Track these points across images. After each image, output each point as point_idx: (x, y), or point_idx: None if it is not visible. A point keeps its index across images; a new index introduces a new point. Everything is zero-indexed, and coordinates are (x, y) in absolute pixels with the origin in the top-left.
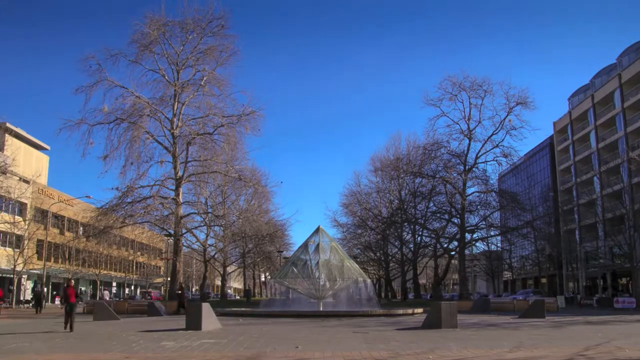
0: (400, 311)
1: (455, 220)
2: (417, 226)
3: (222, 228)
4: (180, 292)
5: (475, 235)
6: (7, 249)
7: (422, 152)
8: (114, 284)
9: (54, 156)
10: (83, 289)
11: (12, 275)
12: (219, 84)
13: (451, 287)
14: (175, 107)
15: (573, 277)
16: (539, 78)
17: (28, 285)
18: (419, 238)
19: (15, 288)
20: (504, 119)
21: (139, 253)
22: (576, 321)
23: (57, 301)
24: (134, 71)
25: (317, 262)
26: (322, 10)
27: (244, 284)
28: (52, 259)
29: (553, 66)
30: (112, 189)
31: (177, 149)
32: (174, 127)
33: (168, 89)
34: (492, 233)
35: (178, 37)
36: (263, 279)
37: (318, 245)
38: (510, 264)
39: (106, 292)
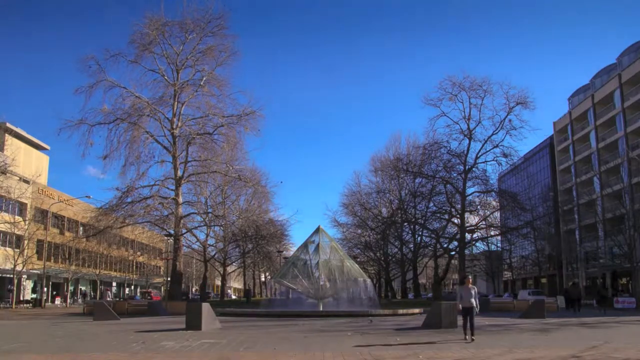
0: (400, 311)
1: (455, 220)
2: (417, 226)
3: (222, 228)
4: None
5: (475, 235)
6: (7, 249)
7: (422, 152)
8: (114, 284)
9: (54, 156)
10: (83, 289)
11: (12, 275)
12: (219, 84)
13: (451, 287)
14: (175, 107)
15: (573, 277)
16: (539, 78)
17: (28, 285)
18: (419, 238)
19: (15, 288)
20: (504, 119)
21: (139, 253)
22: (576, 322)
23: (57, 301)
24: (134, 71)
25: (317, 262)
26: (321, 9)
27: (244, 284)
28: (52, 259)
29: (553, 66)
30: (112, 189)
31: (177, 149)
32: (174, 127)
33: (168, 89)
34: (492, 233)
35: (177, 37)
36: (263, 279)
37: (318, 245)
38: (510, 264)
39: (108, 292)
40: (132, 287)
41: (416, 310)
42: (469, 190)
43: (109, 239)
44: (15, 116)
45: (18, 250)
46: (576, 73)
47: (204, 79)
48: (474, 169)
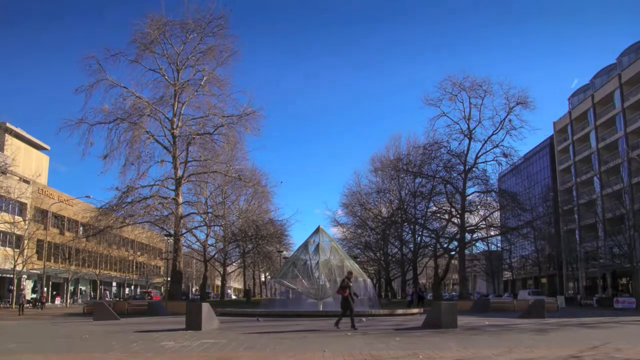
0: (400, 311)
1: (455, 220)
2: (417, 226)
3: (222, 228)
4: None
5: (475, 235)
6: (7, 249)
7: (422, 152)
8: (114, 284)
9: (54, 156)
10: (83, 288)
11: (12, 275)
12: (219, 83)
13: (451, 287)
14: (175, 107)
15: (573, 277)
16: (539, 78)
17: (28, 285)
18: (419, 238)
19: (15, 288)
20: (504, 119)
21: (139, 253)
22: (576, 322)
23: (57, 301)
24: (134, 71)
25: (317, 262)
26: (321, 9)
27: (244, 284)
28: (52, 259)
29: (553, 66)
30: (112, 188)
31: (177, 149)
32: (174, 127)
33: (168, 89)
34: (492, 233)
35: (178, 37)
36: (263, 279)
37: (318, 245)
38: (510, 264)
39: (107, 292)
40: (132, 287)
41: (415, 311)
42: (469, 190)
43: (109, 239)
44: (15, 116)
45: (18, 250)
46: (576, 73)
47: (205, 78)
48: (474, 169)
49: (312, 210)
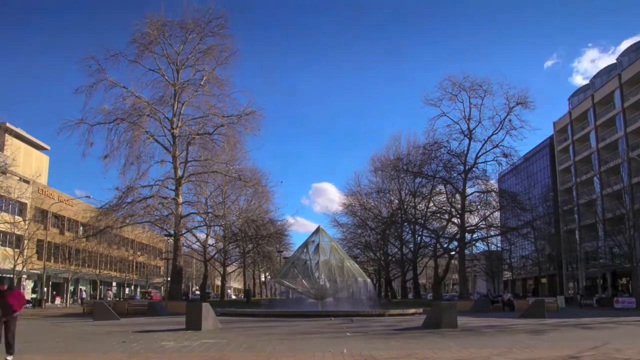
0: (400, 311)
1: (455, 220)
2: (417, 226)
3: (222, 228)
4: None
5: (475, 235)
6: (7, 249)
7: (422, 152)
8: (114, 284)
9: (54, 156)
10: (83, 288)
11: (12, 275)
12: (219, 83)
13: (451, 287)
14: (175, 107)
15: (573, 277)
16: (539, 78)
17: (28, 285)
18: (419, 238)
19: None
20: (504, 119)
21: (139, 253)
22: (576, 322)
23: (58, 301)
24: (134, 71)
25: (317, 262)
26: (321, 9)
27: (244, 284)
28: (52, 259)
29: (553, 66)
30: (112, 188)
31: (177, 149)
32: (174, 127)
33: (168, 89)
34: (492, 233)
35: (178, 37)
36: (263, 279)
37: (318, 245)
38: (510, 264)
39: (110, 293)
40: (132, 287)
41: (412, 310)
42: (469, 190)
43: (109, 239)
44: (15, 116)
45: (18, 250)
46: (576, 73)
47: (204, 78)
48: (474, 169)
49: (312, 210)
